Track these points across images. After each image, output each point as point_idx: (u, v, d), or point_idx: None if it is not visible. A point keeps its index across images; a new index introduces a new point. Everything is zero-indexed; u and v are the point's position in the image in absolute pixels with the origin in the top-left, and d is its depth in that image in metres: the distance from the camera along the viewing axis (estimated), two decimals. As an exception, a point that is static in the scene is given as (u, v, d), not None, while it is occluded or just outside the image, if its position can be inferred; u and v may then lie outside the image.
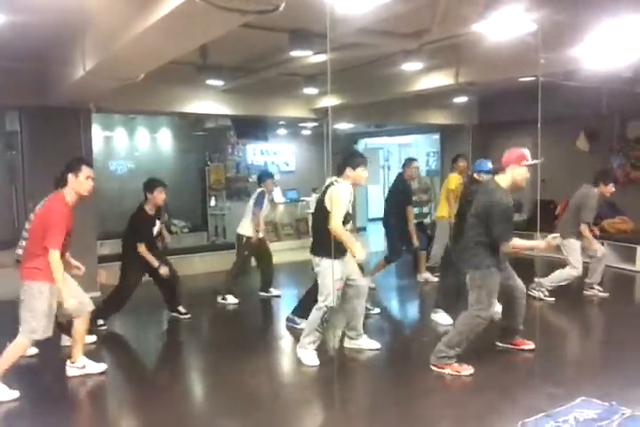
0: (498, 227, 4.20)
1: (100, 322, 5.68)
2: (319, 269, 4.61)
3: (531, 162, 4.32)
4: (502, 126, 10.27)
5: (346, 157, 4.82)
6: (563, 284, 6.33)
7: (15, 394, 4.00)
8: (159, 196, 5.75)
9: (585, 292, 6.62)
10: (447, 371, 4.34)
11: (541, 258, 8.54)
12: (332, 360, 4.78)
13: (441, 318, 5.65)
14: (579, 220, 6.30)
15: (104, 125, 10.09)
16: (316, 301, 4.69)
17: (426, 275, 7.66)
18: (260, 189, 7.01)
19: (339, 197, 4.50)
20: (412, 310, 7.19)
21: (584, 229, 6.26)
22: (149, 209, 5.78)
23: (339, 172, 4.70)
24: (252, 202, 6.95)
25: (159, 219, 5.93)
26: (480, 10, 4.26)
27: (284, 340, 5.59)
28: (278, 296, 7.17)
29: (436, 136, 12.18)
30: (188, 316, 6.22)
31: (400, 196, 7.08)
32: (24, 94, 6.71)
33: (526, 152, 4.36)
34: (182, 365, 5.09)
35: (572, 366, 4.79)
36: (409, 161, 7.39)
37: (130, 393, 4.31)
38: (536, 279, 6.54)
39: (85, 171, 4.18)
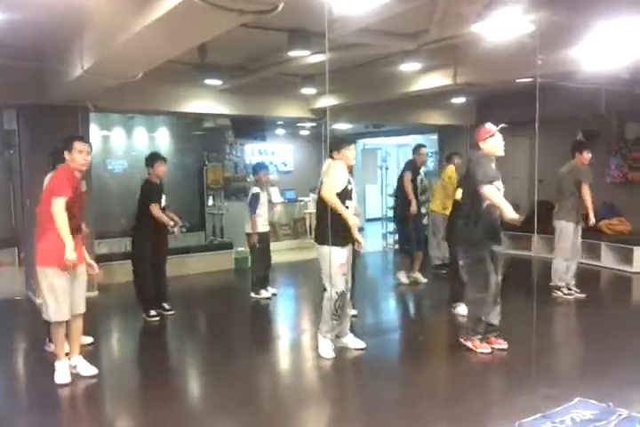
0: (481, 171, 4.55)
1: (152, 313, 5.98)
2: (318, 255, 4.71)
3: (493, 132, 4.67)
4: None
5: (330, 142, 4.97)
6: (566, 273, 6.37)
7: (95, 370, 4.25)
8: (159, 168, 6.05)
9: (553, 294, 6.61)
10: (469, 344, 4.72)
11: (536, 258, 8.58)
12: (334, 357, 4.80)
13: (462, 309, 5.62)
14: (564, 201, 6.43)
15: (102, 125, 10.07)
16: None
17: (416, 275, 7.62)
18: (253, 191, 6.97)
19: (333, 169, 4.66)
20: (405, 310, 7.18)
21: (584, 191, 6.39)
22: (155, 179, 6.07)
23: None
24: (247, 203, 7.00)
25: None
26: (478, 11, 4.26)
27: (282, 339, 5.59)
28: (275, 295, 7.17)
29: (434, 136, 12.18)
30: (172, 312, 6.23)
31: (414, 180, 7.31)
32: (22, 93, 6.70)
33: (487, 126, 4.75)
34: (179, 364, 5.08)
35: (569, 366, 4.80)
36: (419, 147, 7.59)
37: (126, 393, 4.30)
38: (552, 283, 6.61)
39: (77, 145, 4.25)
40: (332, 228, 4.34)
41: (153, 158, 6.14)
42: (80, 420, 3.87)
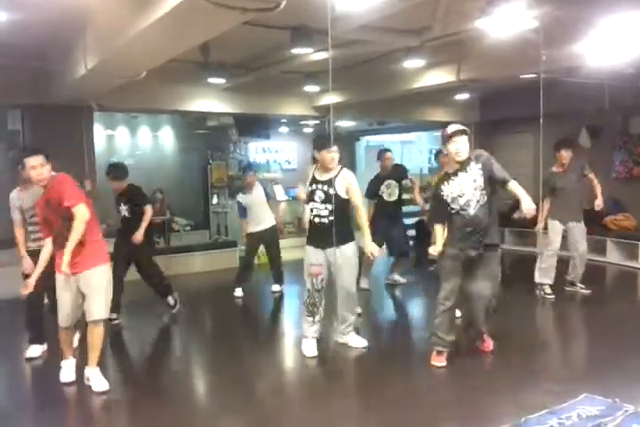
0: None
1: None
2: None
3: (448, 134, 4.31)
4: (504, 123, 10.24)
5: (313, 139, 5.00)
6: (554, 266, 6.36)
7: (106, 386, 4.10)
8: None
9: (565, 288, 6.59)
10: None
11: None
12: (334, 357, 4.81)
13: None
14: (556, 202, 6.34)
15: (106, 124, 10.10)
16: None
17: (396, 277, 7.57)
18: (237, 198, 7.13)
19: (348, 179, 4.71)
20: (404, 310, 7.18)
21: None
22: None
23: None
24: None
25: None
26: (482, 6, 4.25)
27: (287, 337, 5.59)
28: (274, 293, 7.21)
29: (438, 133, 12.15)
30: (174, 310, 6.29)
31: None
32: (26, 93, 6.72)
33: (448, 129, 4.35)
34: (183, 362, 5.09)
35: (575, 362, 4.78)
36: (383, 152, 7.20)
37: (130, 392, 4.30)
38: (567, 277, 6.57)
39: (29, 162, 3.96)
40: (308, 228, 4.79)
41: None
42: (82, 419, 3.88)
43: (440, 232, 4.46)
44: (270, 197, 7.14)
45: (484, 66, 6.84)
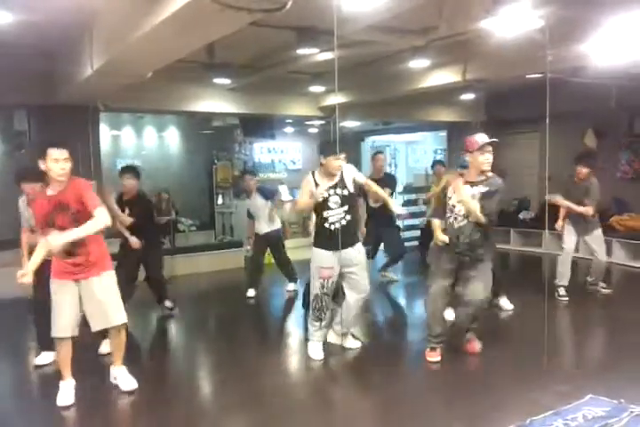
0: None
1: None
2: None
3: (480, 145, 4.29)
4: (510, 123, 10.22)
5: (319, 144, 4.91)
6: (569, 268, 6.33)
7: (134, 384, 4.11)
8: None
9: (588, 287, 6.65)
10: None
11: (550, 255, 8.55)
12: (339, 356, 4.81)
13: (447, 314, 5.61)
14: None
15: (112, 124, 10.13)
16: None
17: (390, 274, 7.69)
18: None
19: (302, 184, 4.72)
20: (408, 308, 7.17)
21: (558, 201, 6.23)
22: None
23: None
24: None
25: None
26: (487, 6, 4.24)
27: (292, 337, 5.60)
28: (293, 291, 7.25)
29: (444, 133, 12.15)
30: (174, 311, 6.32)
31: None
32: (32, 93, 6.75)
33: (477, 138, 4.34)
34: (189, 362, 5.10)
35: (580, 363, 4.77)
36: (375, 154, 7.31)
37: (136, 391, 4.31)
38: (588, 278, 6.62)
39: (51, 153, 3.71)
40: (319, 232, 4.64)
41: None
42: (86, 418, 3.89)
43: (438, 224, 4.55)
44: (270, 198, 6.99)
45: (489, 66, 6.83)
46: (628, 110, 8.82)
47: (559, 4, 4.36)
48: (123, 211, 5.65)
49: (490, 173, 4.37)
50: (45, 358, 4.68)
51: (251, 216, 7.10)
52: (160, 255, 6.33)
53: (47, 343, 4.52)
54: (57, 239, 3.64)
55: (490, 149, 4.32)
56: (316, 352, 4.74)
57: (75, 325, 3.92)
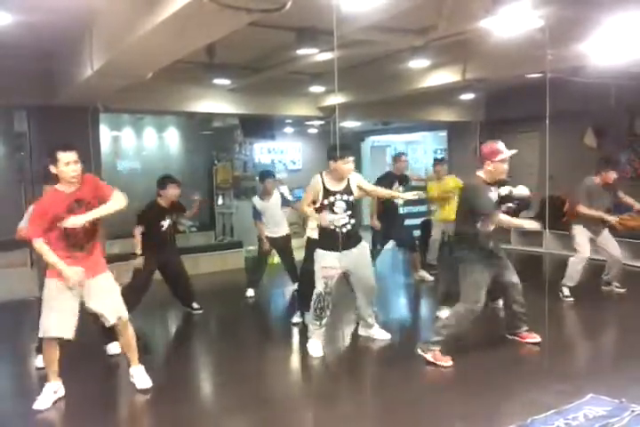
0: (478, 202, 4.32)
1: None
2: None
3: (503, 156, 4.34)
4: (510, 123, 10.22)
5: (328, 149, 4.91)
6: (580, 271, 6.29)
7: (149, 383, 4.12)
8: (170, 191, 5.83)
9: (603, 287, 6.63)
10: (428, 356, 4.44)
11: (550, 254, 8.55)
12: (340, 356, 4.80)
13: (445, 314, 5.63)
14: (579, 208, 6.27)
15: (112, 125, 10.13)
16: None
17: (422, 273, 7.66)
18: (253, 202, 7.00)
19: (310, 184, 4.76)
20: (415, 308, 7.17)
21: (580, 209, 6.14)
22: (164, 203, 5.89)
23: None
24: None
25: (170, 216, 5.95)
26: (487, 6, 4.24)
27: (294, 336, 5.60)
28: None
29: (444, 133, 12.15)
30: (200, 311, 6.35)
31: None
32: (32, 94, 6.75)
33: (501, 147, 4.39)
34: (190, 362, 5.10)
35: (581, 362, 4.77)
36: (399, 155, 7.62)
37: (137, 391, 4.31)
38: (603, 277, 6.62)
39: (62, 157, 3.79)
40: (322, 235, 4.72)
41: (163, 181, 5.90)
42: (88, 418, 3.89)
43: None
44: (289, 204, 7.01)
45: (489, 65, 6.83)
46: (628, 110, 8.81)
47: (559, 3, 4.36)
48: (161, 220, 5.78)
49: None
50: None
51: (257, 217, 6.90)
52: (179, 256, 6.31)
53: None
54: (79, 219, 3.74)
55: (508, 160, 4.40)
56: (316, 350, 4.78)
57: (68, 327, 3.87)
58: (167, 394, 4.18)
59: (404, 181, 7.25)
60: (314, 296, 4.73)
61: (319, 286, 4.69)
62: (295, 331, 5.65)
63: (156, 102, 7.90)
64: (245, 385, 4.33)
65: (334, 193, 4.66)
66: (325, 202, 4.65)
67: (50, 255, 3.77)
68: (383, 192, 5.34)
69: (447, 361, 4.39)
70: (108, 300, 4.01)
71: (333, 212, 4.64)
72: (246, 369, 4.67)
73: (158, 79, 5.80)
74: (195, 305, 6.36)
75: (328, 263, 4.65)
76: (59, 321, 3.85)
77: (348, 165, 4.64)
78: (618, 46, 5.20)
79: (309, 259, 5.08)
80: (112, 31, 4.59)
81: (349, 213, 4.69)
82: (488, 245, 4.45)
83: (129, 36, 4.19)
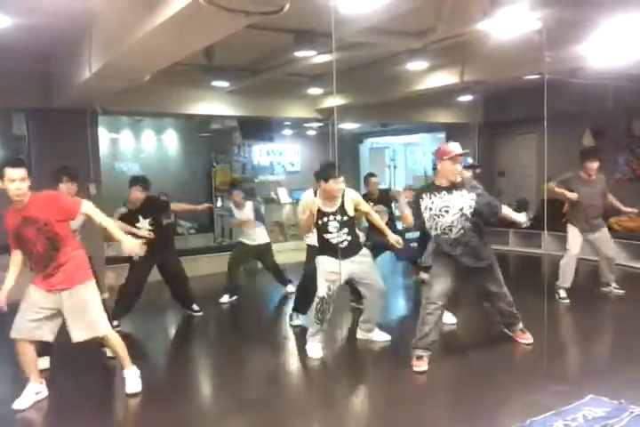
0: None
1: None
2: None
3: (451, 155, 4.30)
4: (508, 125, 10.24)
5: (318, 168, 4.82)
6: (572, 270, 6.28)
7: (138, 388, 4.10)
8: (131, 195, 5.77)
9: (602, 289, 6.62)
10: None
11: (549, 255, 8.55)
12: (339, 358, 4.80)
13: (445, 317, 5.61)
14: (574, 211, 6.29)
15: (110, 127, 10.12)
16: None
17: (422, 275, 7.62)
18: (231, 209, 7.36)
19: (303, 205, 4.88)
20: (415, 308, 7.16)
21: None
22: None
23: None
24: None
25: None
26: (485, 8, 4.25)
27: (291, 338, 5.60)
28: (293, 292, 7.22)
29: (442, 135, 12.16)
30: (200, 313, 6.36)
31: None
32: (30, 96, 6.75)
33: (450, 146, 4.37)
34: (188, 364, 5.10)
35: (581, 363, 4.78)
36: (368, 176, 6.95)
37: (133, 393, 4.30)
38: (603, 279, 6.59)
39: (8, 173, 3.66)
40: (322, 245, 4.78)
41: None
42: (85, 419, 3.88)
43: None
44: (264, 223, 7.31)
45: (487, 67, 6.84)
46: (625, 111, 8.83)
47: (556, 5, 4.37)
48: (136, 222, 5.65)
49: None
50: (43, 363, 4.65)
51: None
52: (177, 257, 6.30)
53: (46, 349, 4.49)
54: (130, 242, 3.85)
55: (460, 160, 4.35)
56: (315, 351, 4.80)
57: (41, 329, 3.90)
58: (166, 395, 4.18)
59: (382, 200, 6.54)
60: (316, 299, 4.73)
61: (322, 290, 4.69)
62: (294, 333, 5.66)
63: (155, 104, 7.90)
64: (245, 387, 4.34)
65: (327, 214, 4.66)
66: (319, 222, 4.68)
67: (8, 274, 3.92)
68: (377, 221, 5.08)
69: (420, 366, 4.35)
70: (79, 318, 3.89)
71: (328, 232, 4.68)
72: (245, 371, 4.68)
73: (157, 81, 5.80)
74: (195, 307, 6.37)
75: (331, 267, 4.65)
76: (23, 323, 3.87)
77: (338, 185, 4.58)
78: (615, 48, 5.21)
79: (310, 263, 5.10)
80: (111, 33, 4.60)
81: (345, 230, 4.68)
82: (453, 251, 4.38)
83: (127, 39, 4.19)
